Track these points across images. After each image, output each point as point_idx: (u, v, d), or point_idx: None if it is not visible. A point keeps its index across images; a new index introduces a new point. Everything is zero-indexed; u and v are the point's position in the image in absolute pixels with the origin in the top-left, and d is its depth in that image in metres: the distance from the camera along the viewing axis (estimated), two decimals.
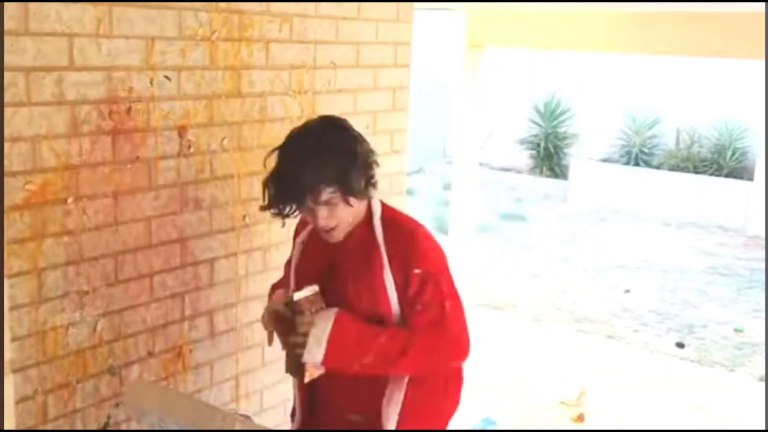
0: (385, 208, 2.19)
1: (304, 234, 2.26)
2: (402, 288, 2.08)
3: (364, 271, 2.10)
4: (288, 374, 2.18)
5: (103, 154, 2.28)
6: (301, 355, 2.03)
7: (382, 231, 2.12)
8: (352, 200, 2.03)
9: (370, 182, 2.10)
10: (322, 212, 2.03)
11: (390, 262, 2.09)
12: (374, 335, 2.04)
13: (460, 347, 2.13)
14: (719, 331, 6.46)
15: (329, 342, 2.00)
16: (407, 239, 2.11)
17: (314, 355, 2.01)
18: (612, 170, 11.55)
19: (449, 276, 2.16)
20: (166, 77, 2.41)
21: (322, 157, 1.99)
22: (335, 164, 1.99)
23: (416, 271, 2.07)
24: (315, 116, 2.90)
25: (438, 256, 2.16)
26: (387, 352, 2.04)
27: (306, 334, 2.02)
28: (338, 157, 2.00)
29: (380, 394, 2.16)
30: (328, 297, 2.10)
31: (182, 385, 2.63)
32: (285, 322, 2.10)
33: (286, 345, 2.12)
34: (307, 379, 2.09)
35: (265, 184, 2.08)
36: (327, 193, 2.00)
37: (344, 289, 2.12)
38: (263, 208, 2.10)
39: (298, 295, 2.07)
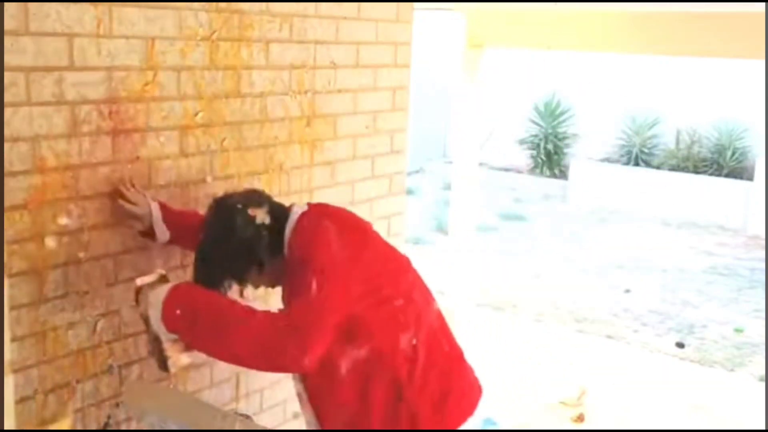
0: (297, 229, 2.17)
1: None
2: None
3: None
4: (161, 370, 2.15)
5: (103, 154, 2.28)
6: (157, 341, 2.04)
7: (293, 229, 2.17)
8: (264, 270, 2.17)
9: (258, 255, 2.15)
10: (248, 293, 2.23)
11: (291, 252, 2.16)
12: (218, 303, 2.04)
13: (300, 345, 1.91)
14: (719, 331, 6.46)
15: (165, 303, 2.01)
16: (304, 232, 2.14)
17: (159, 325, 2.01)
18: (612, 170, 11.54)
19: (332, 271, 2.02)
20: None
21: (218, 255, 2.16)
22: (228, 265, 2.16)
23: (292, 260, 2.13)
24: (315, 116, 2.93)
25: (323, 245, 2.07)
26: (216, 320, 1.97)
27: (144, 306, 2.05)
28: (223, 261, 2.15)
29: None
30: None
31: (182, 385, 2.63)
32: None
33: (150, 340, 2.12)
34: (173, 369, 2.08)
35: None
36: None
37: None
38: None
39: (140, 281, 2.10)
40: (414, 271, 2.30)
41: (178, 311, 2.00)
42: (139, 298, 2.09)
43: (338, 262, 2.04)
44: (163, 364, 2.07)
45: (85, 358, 2.33)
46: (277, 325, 1.94)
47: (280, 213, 2.21)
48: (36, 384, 2.22)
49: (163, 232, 2.38)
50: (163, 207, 2.40)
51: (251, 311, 1.99)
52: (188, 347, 2.07)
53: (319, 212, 2.24)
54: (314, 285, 1.97)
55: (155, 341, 2.05)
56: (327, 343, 1.96)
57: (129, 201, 2.33)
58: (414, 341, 2.14)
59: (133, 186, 2.35)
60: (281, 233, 2.16)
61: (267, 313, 1.99)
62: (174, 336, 2.03)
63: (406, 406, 2.13)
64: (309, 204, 2.28)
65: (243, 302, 2.07)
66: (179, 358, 2.06)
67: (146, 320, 2.06)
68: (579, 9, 4.26)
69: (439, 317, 2.30)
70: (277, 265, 2.18)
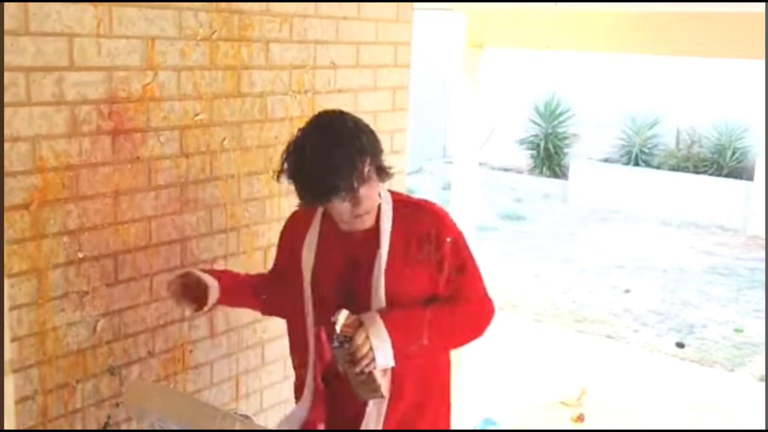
0: (396, 199, 2.21)
1: (312, 234, 2.20)
2: (434, 261, 2.14)
3: (391, 258, 2.12)
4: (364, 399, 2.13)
5: (103, 154, 2.28)
6: (371, 376, 2.03)
7: (396, 219, 2.14)
8: (381, 176, 2.07)
9: (384, 171, 2.11)
10: (364, 192, 2.01)
11: (416, 242, 2.14)
12: (420, 315, 2.10)
13: (491, 303, 2.25)
14: (719, 331, 6.46)
15: (391, 337, 2.02)
16: (428, 215, 2.19)
17: (386, 356, 2.03)
18: (612, 170, 11.54)
19: (465, 239, 2.25)
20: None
21: (349, 140, 1.99)
22: (362, 143, 2.00)
23: (448, 239, 2.16)
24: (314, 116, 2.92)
25: (455, 224, 2.25)
26: (439, 326, 2.11)
27: (368, 347, 2.00)
28: (361, 138, 2.01)
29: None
30: (358, 293, 2.13)
31: (182, 385, 2.63)
32: (340, 355, 2.06)
33: (353, 374, 2.06)
34: (385, 391, 2.08)
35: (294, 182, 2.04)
36: (366, 169, 1.99)
37: (370, 281, 2.12)
38: (302, 203, 2.09)
39: (340, 328, 2.03)
40: None
41: (403, 343, 2.05)
42: (339, 345, 2.02)
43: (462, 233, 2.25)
44: (377, 392, 2.07)
45: (85, 358, 2.33)
46: (475, 304, 2.21)
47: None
48: (36, 384, 2.22)
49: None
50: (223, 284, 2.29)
51: (450, 305, 2.15)
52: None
53: (408, 197, 2.34)
54: (468, 252, 2.22)
55: (365, 375, 2.03)
56: None
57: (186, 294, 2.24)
58: None
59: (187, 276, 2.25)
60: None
61: (461, 299, 2.17)
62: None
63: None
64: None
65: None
66: (386, 379, 2.08)
67: (353, 362, 2.01)
68: (579, 9, 4.25)
69: None
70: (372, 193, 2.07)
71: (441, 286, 2.16)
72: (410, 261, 2.13)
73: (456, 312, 2.16)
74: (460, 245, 2.19)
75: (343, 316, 2.02)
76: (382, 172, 2.07)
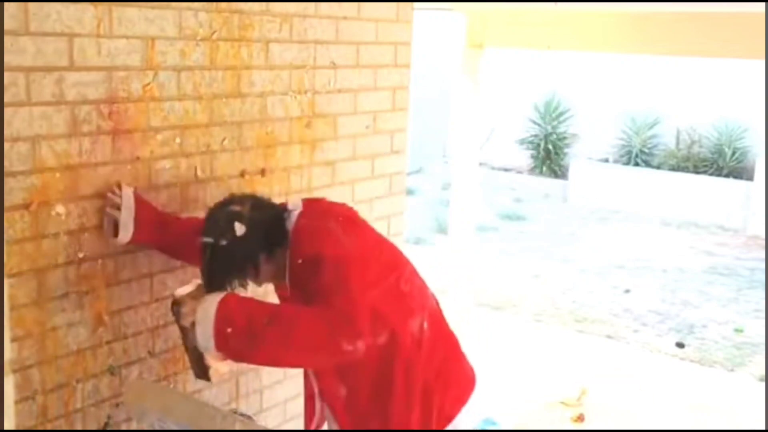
0: (301, 214, 2.25)
1: None
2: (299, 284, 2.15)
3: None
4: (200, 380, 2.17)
5: (103, 154, 2.28)
6: (197, 351, 2.03)
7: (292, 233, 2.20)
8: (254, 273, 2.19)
9: (266, 244, 2.19)
10: (250, 289, 2.21)
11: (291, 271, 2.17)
12: (263, 309, 2.05)
13: (351, 327, 2.01)
14: (719, 331, 6.46)
15: (215, 322, 1.98)
16: (297, 239, 2.18)
17: (205, 336, 1.98)
18: (612, 170, 11.54)
19: (350, 264, 2.11)
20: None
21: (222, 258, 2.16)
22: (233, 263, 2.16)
23: (299, 261, 2.13)
24: (315, 116, 2.93)
25: (332, 242, 2.15)
26: (278, 327, 1.98)
27: (192, 325, 2.02)
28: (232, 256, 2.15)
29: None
30: None
31: (182, 385, 2.63)
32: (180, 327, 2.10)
33: (185, 347, 2.11)
34: (214, 378, 2.08)
35: None
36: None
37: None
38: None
39: (180, 291, 2.09)
40: (406, 257, 2.37)
41: (229, 329, 1.98)
42: (177, 310, 2.06)
43: (351, 255, 2.12)
44: (203, 373, 2.06)
45: (85, 358, 2.33)
46: (328, 318, 2.00)
47: (270, 209, 2.26)
48: (36, 384, 2.22)
49: (126, 232, 2.30)
50: (143, 205, 2.34)
51: (295, 311, 2.07)
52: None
53: (316, 211, 2.29)
54: (340, 278, 2.05)
55: (194, 351, 2.04)
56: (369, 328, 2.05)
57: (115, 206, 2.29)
58: (425, 325, 2.24)
59: (118, 187, 2.31)
60: (277, 230, 2.20)
61: (310, 310, 2.04)
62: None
63: (420, 382, 2.22)
64: (303, 201, 2.33)
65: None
66: (219, 366, 2.06)
67: (185, 332, 2.04)
68: (579, 9, 4.25)
69: (437, 302, 2.41)
70: (276, 261, 2.20)
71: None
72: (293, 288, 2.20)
73: (303, 313, 2.04)
74: (322, 266, 2.07)
75: (192, 286, 2.10)
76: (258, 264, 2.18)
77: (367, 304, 2.05)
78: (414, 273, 2.34)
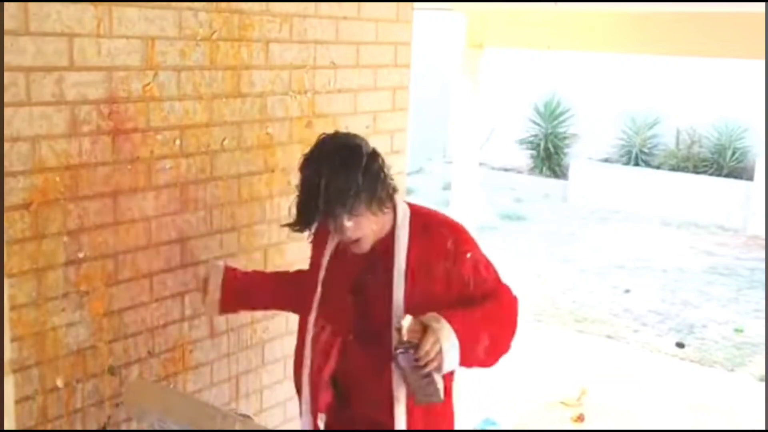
0: (414, 212, 2.23)
1: (331, 245, 2.26)
2: (453, 276, 2.15)
3: (409, 276, 2.15)
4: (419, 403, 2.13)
5: (103, 154, 2.28)
6: (430, 377, 2.03)
7: (414, 234, 2.17)
8: (375, 210, 2.08)
9: (389, 192, 2.13)
10: (348, 224, 2.06)
11: (430, 261, 2.15)
12: (473, 314, 2.12)
13: (516, 302, 2.27)
14: (719, 331, 6.46)
15: (461, 347, 2.03)
16: (444, 233, 2.19)
17: (453, 360, 2.03)
18: (612, 170, 11.54)
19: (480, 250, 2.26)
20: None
21: (344, 172, 2.03)
22: (355, 179, 2.03)
23: (468, 255, 2.17)
24: (315, 116, 2.92)
25: (471, 238, 2.26)
26: (492, 322, 2.14)
27: (436, 351, 2.00)
28: (356, 173, 2.03)
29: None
30: (365, 306, 2.19)
31: (182, 385, 2.63)
32: (403, 360, 2.05)
33: (415, 378, 2.06)
34: (443, 394, 2.07)
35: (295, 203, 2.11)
36: (351, 205, 2.03)
37: (381, 299, 2.15)
38: (288, 226, 2.14)
39: (406, 332, 2.03)
40: None
41: (470, 346, 2.07)
42: (408, 348, 2.01)
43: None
44: (436, 395, 2.06)
45: (85, 358, 2.33)
46: (508, 303, 2.25)
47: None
48: (36, 384, 2.22)
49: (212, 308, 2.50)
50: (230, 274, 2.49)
51: (498, 306, 2.20)
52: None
53: (430, 212, 2.31)
54: (486, 264, 2.22)
55: (426, 379, 2.03)
56: None
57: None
58: None
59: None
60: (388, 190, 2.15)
61: (495, 300, 2.20)
62: None
63: None
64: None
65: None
66: (441, 381, 2.07)
67: (416, 368, 2.01)
68: (579, 9, 4.25)
69: None
70: (384, 222, 2.15)
71: (459, 294, 2.16)
72: (428, 277, 2.15)
73: (497, 307, 2.19)
74: (479, 259, 2.21)
75: (407, 322, 2.03)
76: (380, 203, 2.09)
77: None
78: None
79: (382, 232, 2.15)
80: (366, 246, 2.14)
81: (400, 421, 2.17)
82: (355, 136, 2.18)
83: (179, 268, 2.56)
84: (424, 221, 2.21)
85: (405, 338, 2.00)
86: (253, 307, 2.68)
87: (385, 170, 2.12)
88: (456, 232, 2.21)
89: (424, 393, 2.06)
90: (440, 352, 2.00)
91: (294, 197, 2.11)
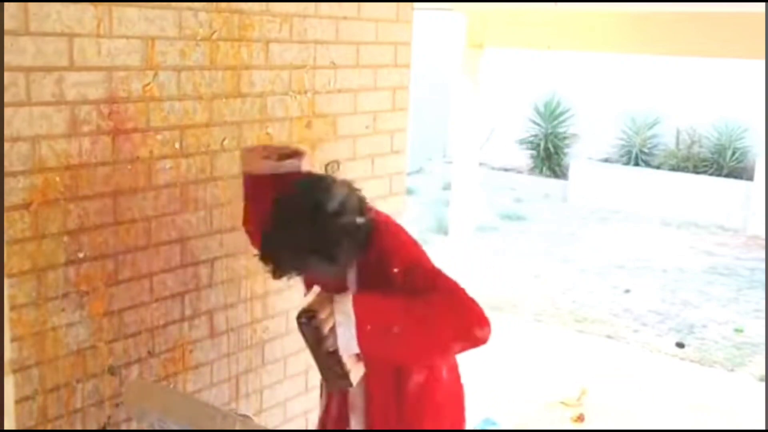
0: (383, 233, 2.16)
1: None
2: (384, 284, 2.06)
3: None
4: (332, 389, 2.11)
5: (103, 154, 2.28)
6: (334, 357, 1.95)
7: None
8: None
9: (364, 237, 2.08)
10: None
11: (370, 278, 2.09)
12: (394, 301, 1.98)
13: (476, 313, 2.01)
14: (719, 331, 6.46)
15: (357, 321, 1.91)
16: (375, 249, 2.10)
17: (349, 337, 1.91)
18: (612, 170, 11.54)
19: (430, 263, 2.12)
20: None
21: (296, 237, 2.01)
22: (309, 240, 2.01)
23: (395, 270, 2.05)
24: (315, 116, 2.93)
25: (409, 249, 2.15)
26: (413, 313, 1.96)
27: (332, 329, 1.92)
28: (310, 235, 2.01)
29: None
30: None
31: (182, 385, 2.63)
32: (307, 333, 1.98)
33: (320, 356, 1.99)
34: (354, 381, 2.00)
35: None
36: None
37: None
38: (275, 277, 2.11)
39: (308, 298, 1.98)
40: None
41: (369, 327, 1.93)
42: (308, 320, 1.93)
43: (425, 257, 2.15)
44: (344, 379, 1.98)
45: (85, 358, 2.33)
46: (455, 306, 1.99)
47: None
48: (36, 384, 2.22)
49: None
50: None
51: (426, 302, 1.98)
52: (365, 359, 2.02)
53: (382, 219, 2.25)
54: (429, 274, 2.06)
55: (331, 357, 1.95)
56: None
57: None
58: None
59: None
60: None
61: (438, 299, 1.99)
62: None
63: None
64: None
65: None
66: (357, 369, 2.00)
67: (320, 339, 1.93)
68: (579, 9, 4.26)
69: None
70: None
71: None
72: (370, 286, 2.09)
73: (425, 303, 1.98)
74: (416, 269, 2.07)
75: (314, 293, 1.97)
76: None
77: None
78: None
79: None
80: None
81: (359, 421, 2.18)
82: (323, 181, 2.11)
83: (179, 268, 2.56)
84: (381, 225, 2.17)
85: (308, 306, 1.94)
86: None
87: (354, 218, 2.05)
88: (383, 246, 2.11)
89: (329, 375, 1.98)
90: (334, 326, 1.90)
91: None
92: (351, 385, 2.01)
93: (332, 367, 1.98)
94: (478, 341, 2.02)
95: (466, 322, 2.00)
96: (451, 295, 2.02)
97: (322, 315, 1.92)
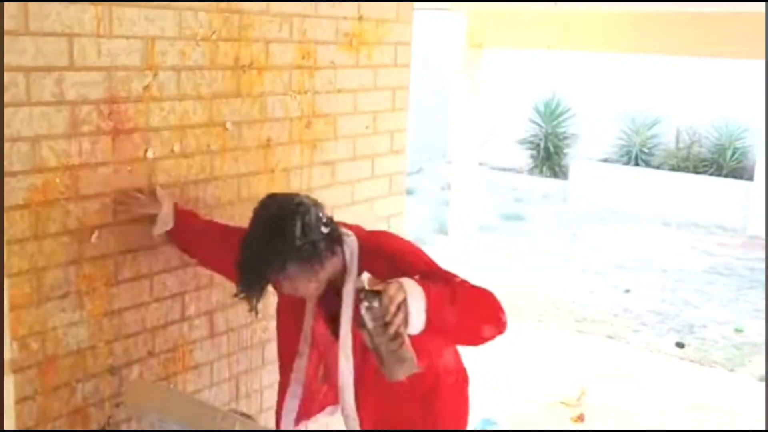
0: (363, 246, 2.17)
1: (309, 315, 2.29)
2: None
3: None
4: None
5: (103, 154, 2.28)
6: (397, 341, 1.84)
7: (362, 262, 2.13)
8: (311, 270, 2.07)
9: (328, 249, 2.09)
10: (285, 285, 2.10)
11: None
12: (443, 286, 1.96)
13: (498, 302, 2.04)
14: (719, 331, 6.46)
15: (428, 305, 1.86)
16: (382, 259, 2.11)
17: (419, 316, 1.85)
18: (612, 170, 11.54)
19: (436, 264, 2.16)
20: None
21: (273, 244, 2.04)
22: (281, 253, 2.03)
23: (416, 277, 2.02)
24: (315, 116, 2.93)
25: (415, 249, 2.19)
26: (461, 297, 1.96)
27: (401, 299, 1.82)
28: (283, 244, 2.03)
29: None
30: (329, 347, 2.23)
31: (182, 385, 2.63)
32: (368, 319, 1.85)
33: (384, 342, 1.85)
34: (418, 365, 1.88)
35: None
36: (284, 272, 2.05)
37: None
38: (237, 295, 2.13)
39: (365, 283, 1.85)
40: None
41: (436, 320, 1.89)
42: (376, 298, 1.81)
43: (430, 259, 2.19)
44: (410, 362, 1.86)
45: (85, 358, 2.33)
46: (485, 294, 2.03)
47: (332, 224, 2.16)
48: (36, 384, 2.22)
49: (165, 223, 2.40)
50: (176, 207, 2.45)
51: (465, 285, 2.02)
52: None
53: (378, 239, 2.27)
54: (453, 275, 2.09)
55: (396, 341, 1.82)
56: None
57: (137, 207, 2.38)
58: None
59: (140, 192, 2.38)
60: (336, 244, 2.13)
61: (466, 283, 2.04)
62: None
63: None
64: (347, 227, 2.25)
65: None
66: (414, 354, 1.88)
67: (386, 323, 1.80)
68: (579, 9, 4.26)
69: None
70: (330, 268, 2.12)
71: None
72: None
73: (466, 286, 2.02)
74: (431, 271, 2.08)
75: (366, 277, 1.86)
76: (315, 263, 2.06)
77: None
78: None
79: (335, 273, 2.13)
80: (313, 294, 2.16)
81: (350, 404, 2.21)
82: (290, 200, 2.13)
83: (179, 268, 2.56)
84: (368, 248, 2.17)
85: (367, 288, 1.82)
86: (186, 249, 2.53)
87: (321, 230, 2.07)
88: (389, 254, 2.13)
89: (395, 360, 1.85)
90: (405, 301, 1.81)
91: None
92: (419, 369, 1.88)
93: (397, 351, 1.84)
94: (501, 327, 2.04)
95: (493, 308, 2.03)
96: (473, 286, 2.05)
97: (391, 291, 1.81)
